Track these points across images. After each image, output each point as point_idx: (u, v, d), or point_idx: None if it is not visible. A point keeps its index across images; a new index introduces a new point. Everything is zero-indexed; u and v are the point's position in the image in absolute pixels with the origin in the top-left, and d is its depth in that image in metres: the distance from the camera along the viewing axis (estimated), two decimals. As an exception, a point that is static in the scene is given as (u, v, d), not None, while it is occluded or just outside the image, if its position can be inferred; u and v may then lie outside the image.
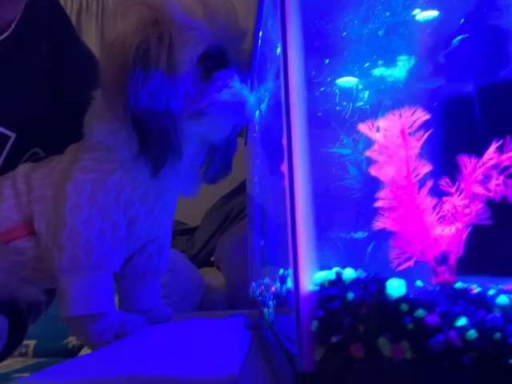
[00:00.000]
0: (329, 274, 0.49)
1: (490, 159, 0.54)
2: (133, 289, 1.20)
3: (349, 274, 0.49)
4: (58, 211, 1.01)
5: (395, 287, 0.48)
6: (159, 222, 1.14)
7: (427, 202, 0.57)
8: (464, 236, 0.56)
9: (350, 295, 0.48)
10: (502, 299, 0.58)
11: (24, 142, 1.21)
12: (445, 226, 0.56)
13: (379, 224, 0.58)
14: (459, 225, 0.55)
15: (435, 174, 0.60)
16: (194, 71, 0.96)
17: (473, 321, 0.49)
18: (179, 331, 0.83)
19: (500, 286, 0.54)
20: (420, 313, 0.48)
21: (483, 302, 0.55)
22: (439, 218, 0.56)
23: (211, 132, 1.01)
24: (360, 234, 0.77)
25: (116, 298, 1.15)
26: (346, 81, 1.09)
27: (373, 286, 0.48)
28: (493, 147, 0.55)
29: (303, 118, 0.51)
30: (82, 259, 0.98)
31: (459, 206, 0.55)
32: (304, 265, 0.49)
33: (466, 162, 0.55)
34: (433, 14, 0.83)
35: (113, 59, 0.96)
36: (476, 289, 0.59)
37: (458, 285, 0.57)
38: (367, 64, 0.95)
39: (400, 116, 0.57)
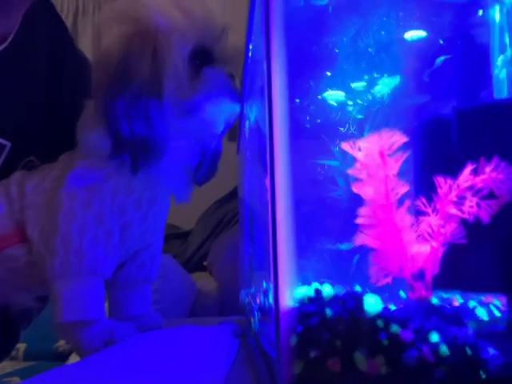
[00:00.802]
0: (308, 291, 0.51)
1: (465, 181, 0.56)
2: (123, 296, 1.21)
3: (327, 290, 0.51)
4: (52, 217, 1.02)
5: (372, 304, 0.51)
6: (152, 228, 1.15)
7: (405, 220, 0.59)
8: (440, 254, 0.58)
9: (328, 312, 0.50)
10: (476, 314, 0.61)
11: (19, 150, 1.22)
12: (421, 244, 0.58)
13: (359, 240, 0.60)
14: (434, 244, 0.57)
15: (414, 194, 0.63)
16: (184, 71, 0.99)
17: (445, 337, 0.51)
18: (166, 340, 0.85)
19: (472, 303, 0.57)
20: (395, 329, 0.51)
21: (457, 318, 0.58)
22: (417, 237, 0.59)
23: (204, 128, 1.04)
24: (345, 247, 0.80)
25: (106, 305, 1.16)
26: (334, 95, 1.12)
27: (350, 302, 0.50)
28: (468, 169, 0.57)
29: (286, 128, 0.52)
30: (73, 265, 0.99)
31: (435, 225, 0.57)
32: (284, 281, 0.51)
33: (442, 183, 0.58)
34: (421, 34, 0.85)
35: (100, 73, 0.99)
36: (457, 301, 0.62)
37: (434, 300, 0.60)
38: (356, 81, 0.98)
39: (379, 137, 0.59)
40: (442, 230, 0.57)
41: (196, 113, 1.01)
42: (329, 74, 1.06)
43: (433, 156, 0.66)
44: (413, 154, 0.66)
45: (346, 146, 0.62)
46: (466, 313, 0.58)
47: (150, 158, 0.98)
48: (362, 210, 0.60)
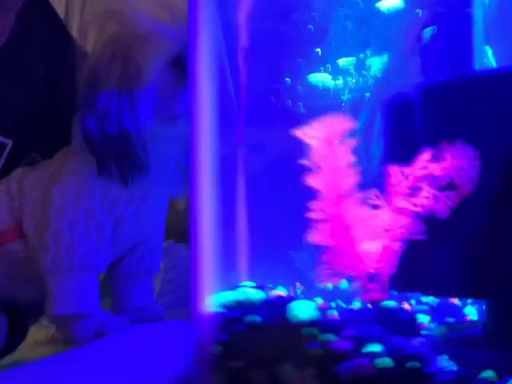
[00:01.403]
0: (235, 295, 0.47)
1: (420, 169, 0.50)
2: (125, 289, 1.22)
3: (255, 294, 0.46)
4: (45, 213, 1.03)
5: (303, 309, 0.45)
6: (148, 222, 1.15)
7: (356, 215, 0.53)
8: (394, 252, 0.52)
9: (255, 318, 0.45)
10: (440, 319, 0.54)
11: (21, 147, 1.24)
12: (373, 241, 0.52)
13: (310, 237, 0.55)
14: (386, 240, 0.51)
15: (370, 185, 0.56)
16: (165, 76, 0.96)
17: (388, 347, 0.45)
18: (125, 342, 0.82)
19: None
20: (328, 337, 0.45)
21: (411, 325, 0.51)
22: (369, 232, 0.53)
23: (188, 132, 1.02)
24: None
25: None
26: (319, 77, 1.05)
27: (279, 308, 0.45)
28: (425, 155, 0.50)
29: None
30: (65, 260, 1.01)
31: (386, 220, 0.51)
32: (205, 283, 0.47)
33: (393, 172, 0.51)
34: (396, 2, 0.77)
35: (81, 78, 0.99)
36: (415, 304, 0.56)
37: (390, 303, 0.53)
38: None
39: (327, 123, 0.53)
40: (394, 225, 0.51)
41: (179, 120, 1.00)
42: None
43: (394, 140, 0.59)
44: (375, 139, 0.59)
45: (299, 132, 0.56)
46: (425, 318, 0.52)
47: (134, 167, 0.97)
48: (313, 204, 0.55)
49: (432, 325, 0.55)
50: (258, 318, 0.45)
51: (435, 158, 0.50)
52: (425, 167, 0.49)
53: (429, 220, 0.51)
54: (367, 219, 0.52)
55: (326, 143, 0.52)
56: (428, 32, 0.84)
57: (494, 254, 0.51)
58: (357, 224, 0.53)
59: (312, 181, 0.54)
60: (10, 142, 1.22)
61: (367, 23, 0.84)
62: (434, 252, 0.52)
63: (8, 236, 1.10)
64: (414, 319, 0.51)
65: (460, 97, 0.53)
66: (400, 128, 0.59)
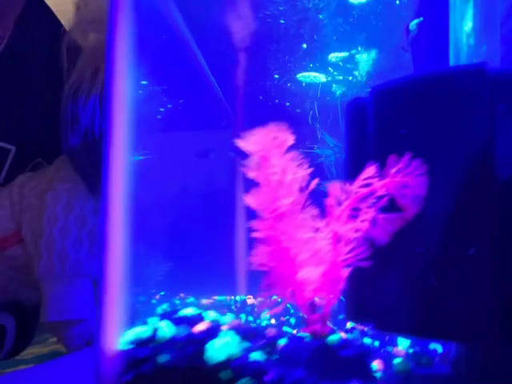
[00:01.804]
0: (143, 331, 0.42)
1: (360, 187, 0.43)
2: None
3: (166, 331, 0.42)
4: (39, 220, 1.06)
5: (218, 349, 0.40)
6: None
7: (296, 237, 0.47)
8: (335, 280, 0.46)
9: (164, 357, 0.41)
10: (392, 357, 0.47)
11: (25, 153, 1.27)
12: (311, 266, 0.45)
13: (251, 259, 0.49)
14: (323, 266, 0.45)
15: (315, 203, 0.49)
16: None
17: None
18: None
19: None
20: (244, 382, 0.40)
21: (358, 365, 0.45)
22: (308, 257, 0.46)
23: None
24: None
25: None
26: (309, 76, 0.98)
27: (191, 347, 0.40)
28: (368, 170, 0.43)
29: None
30: (57, 267, 1.02)
31: (325, 244, 0.44)
32: (112, 319, 0.43)
33: (334, 191, 0.44)
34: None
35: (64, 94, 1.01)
36: (368, 338, 0.49)
37: (334, 337, 0.47)
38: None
39: (263, 134, 0.47)
40: (335, 251, 0.44)
41: None
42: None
43: (350, 150, 0.52)
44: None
45: (241, 142, 0.50)
46: (376, 355, 0.45)
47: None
48: (254, 224, 0.49)
49: (395, 360, 0.48)
50: (166, 358, 0.40)
51: (380, 174, 0.43)
52: (367, 185, 0.42)
53: (377, 246, 0.44)
54: (306, 243, 0.46)
55: (261, 157, 0.47)
56: (414, 24, 0.75)
57: (447, 290, 0.43)
58: (296, 248, 0.47)
59: (249, 198, 0.48)
60: (12, 148, 1.24)
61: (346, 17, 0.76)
62: (379, 283, 0.45)
63: (10, 241, 1.12)
64: (364, 356, 0.44)
65: (404, 101, 0.46)
66: (355, 137, 0.51)
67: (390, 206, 0.42)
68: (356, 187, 0.43)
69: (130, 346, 0.41)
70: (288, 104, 0.93)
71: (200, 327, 0.44)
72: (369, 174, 0.43)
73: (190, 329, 0.44)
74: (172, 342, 0.42)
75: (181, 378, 0.41)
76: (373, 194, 0.42)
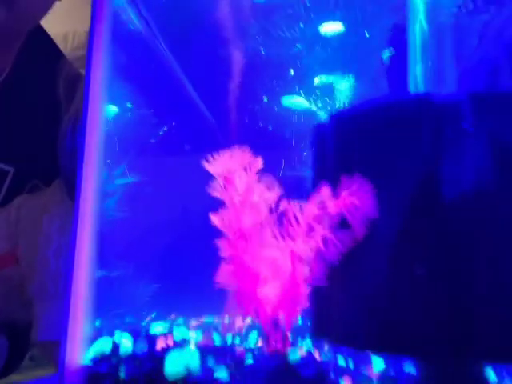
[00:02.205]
0: (104, 346, 0.44)
1: (313, 207, 0.45)
2: None
3: (125, 346, 0.43)
4: (34, 241, 1.08)
5: (173, 365, 0.42)
6: None
7: (256, 255, 0.48)
8: (297, 297, 0.47)
9: (122, 374, 0.42)
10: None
11: (23, 175, 1.30)
12: (269, 284, 0.47)
13: (216, 279, 0.51)
14: (278, 284, 0.46)
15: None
16: None
17: None
18: None
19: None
20: (198, 397, 0.41)
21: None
22: (268, 275, 0.48)
23: None
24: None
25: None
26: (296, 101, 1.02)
27: (147, 363, 0.42)
28: (322, 191, 0.45)
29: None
30: (49, 288, 1.04)
31: (283, 262, 0.46)
32: (75, 336, 0.44)
33: (291, 209, 0.46)
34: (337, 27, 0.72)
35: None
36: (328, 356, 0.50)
37: (294, 357, 0.48)
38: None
39: (225, 156, 0.49)
40: (293, 269, 0.46)
41: None
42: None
43: (313, 173, 0.54)
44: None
45: (206, 164, 0.53)
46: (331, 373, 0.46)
47: None
48: (219, 242, 0.51)
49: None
50: (122, 375, 0.41)
51: (334, 194, 0.45)
52: (322, 204, 0.44)
53: (332, 264, 0.45)
54: (266, 261, 0.48)
55: (223, 178, 0.49)
56: (386, 53, 0.78)
57: (398, 306, 0.44)
58: (257, 266, 0.48)
59: (214, 218, 0.50)
60: (11, 170, 1.28)
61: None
62: (334, 299, 0.46)
63: (5, 261, 1.14)
64: (325, 375, 0.45)
65: (356, 126, 0.48)
66: (316, 159, 0.54)
67: (343, 226, 0.44)
68: (311, 207, 0.45)
69: (91, 362, 0.43)
70: (270, 128, 0.96)
71: (161, 344, 0.45)
72: (323, 195, 0.45)
73: (152, 345, 0.45)
74: (131, 357, 0.43)
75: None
76: (326, 213, 0.44)
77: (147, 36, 0.85)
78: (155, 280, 1.02)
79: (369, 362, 0.49)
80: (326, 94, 0.93)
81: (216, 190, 0.50)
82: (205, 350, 0.50)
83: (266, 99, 1.01)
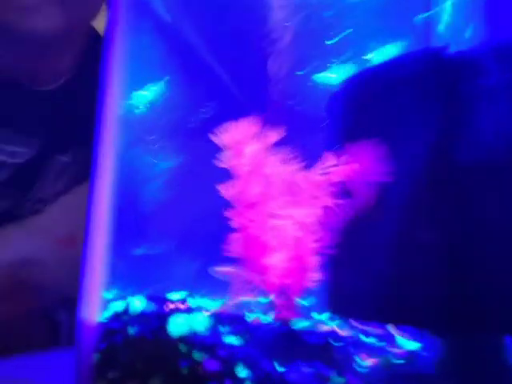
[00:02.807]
0: (117, 306, 0.47)
1: (317, 174, 0.43)
2: None
3: (136, 306, 0.46)
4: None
5: (177, 325, 0.43)
6: None
7: (264, 224, 0.48)
8: (299, 266, 0.46)
9: (131, 330, 0.44)
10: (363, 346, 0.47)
11: (81, 166, 1.41)
12: (280, 252, 0.47)
13: (224, 248, 0.52)
14: (285, 253, 0.46)
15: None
16: None
17: (257, 372, 0.40)
18: None
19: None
20: (198, 356, 0.42)
21: (322, 350, 0.45)
22: (275, 244, 0.48)
23: None
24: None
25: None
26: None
27: (155, 321, 0.44)
28: (327, 157, 0.44)
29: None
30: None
31: (291, 231, 0.46)
32: (91, 293, 0.47)
33: (298, 179, 0.45)
34: None
35: None
36: (338, 328, 0.49)
37: (302, 324, 0.47)
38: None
39: (231, 127, 0.50)
40: (300, 238, 0.45)
41: None
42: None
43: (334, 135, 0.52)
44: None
45: (213, 136, 0.54)
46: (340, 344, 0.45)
47: None
48: (229, 213, 0.52)
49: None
50: (132, 331, 0.44)
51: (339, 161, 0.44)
52: (320, 172, 0.43)
53: (342, 233, 0.44)
54: (274, 230, 0.48)
55: (229, 148, 0.49)
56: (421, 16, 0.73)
57: (409, 278, 0.42)
58: (264, 235, 0.49)
59: (223, 188, 0.51)
60: (70, 161, 1.39)
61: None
62: (351, 271, 0.45)
63: (68, 242, 1.26)
64: (330, 346, 0.45)
65: (364, 89, 0.45)
66: (329, 126, 0.52)
67: (346, 194, 0.43)
68: (314, 174, 0.44)
69: (108, 319, 0.46)
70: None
71: (171, 306, 0.48)
72: (327, 161, 0.44)
73: (160, 306, 0.47)
74: (140, 316, 0.46)
75: (144, 349, 0.44)
76: (329, 181, 0.43)
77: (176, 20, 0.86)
78: (198, 258, 1.05)
79: (389, 338, 0.48)
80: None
81: (223, 162, 0.50)
82: (219, 317, 0.51)
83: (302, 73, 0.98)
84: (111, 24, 0.55)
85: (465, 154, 0.41)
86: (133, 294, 0.50)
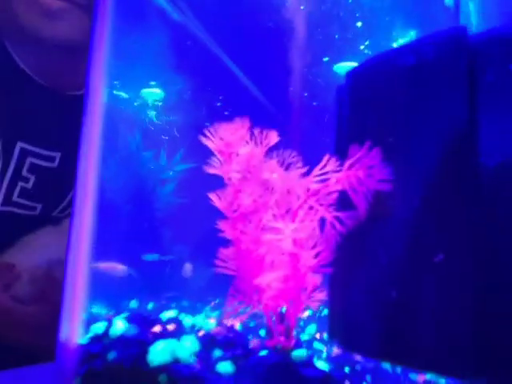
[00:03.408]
0: (98, 327, 0.42)
1: (312, 181, 0.37)
2: None
3: (117, 328, 0.41)
4: None
5: (159, 352, 0.38)
6: None
7: (258, 238, 0.43)
8: (303, 287, 0.41)
9: (111, 355, 0.40)
10: None
11: None
12: (272, 272, 0.41)
13: (217, 263, 0.47)
14: (281, 272, 0.40)
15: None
16: None
17: None
18: None
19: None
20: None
21: None
22: (270, 262, 0.42)
23: None
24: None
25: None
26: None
27: (135, 347, 0.39)
28: (324, 162, 0.38)
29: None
30: None
31: (287, 246, 0.40)
32: (73, 314, 0.44)
33: (296, 186, 0.39)
34: None
35: None
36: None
37: (298, 353, 0.41)
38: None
39: (226, 129, 0.44)
40: (297, 255, 0.39)
41: None
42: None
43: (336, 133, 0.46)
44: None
45: (203, 139, 0.49)
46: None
47: None
48: (221, 224, 0.47)
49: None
50: (112, 356, 0.40)
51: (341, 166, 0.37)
52: (316, 179, 0.37)
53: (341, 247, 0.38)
54: (268, 244, 0.42)
55: (221, 152, 0.44)
56: None
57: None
58: (257, 249, 0.43)
59: (214, 197, 0.46)
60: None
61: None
62: (354, 296, 0.38)
63: None
64: (328, 379, 0.39)
65: (371, 79, 0.38)
66: (336, 119, 0.45)
67: (345, 204, 0.36)
68: (312, 182, 0.38)
69: (89, 341, 0.42)
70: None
71: (156, 329, 0.43)
72: (324, 166, 0.38)
73: (144, 329, 0.43)
74: (120, 340, 0.42)
75: (123, 377, 0.40)
76: (328, 188, 0.37)
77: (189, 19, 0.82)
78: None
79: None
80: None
81: (213, 167, 0.45)
82: (214, 340, 0.47)
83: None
84: (97, 23, 0.52)
85: (490, 158, 0.34)
86: (116, 313, 0.47)
